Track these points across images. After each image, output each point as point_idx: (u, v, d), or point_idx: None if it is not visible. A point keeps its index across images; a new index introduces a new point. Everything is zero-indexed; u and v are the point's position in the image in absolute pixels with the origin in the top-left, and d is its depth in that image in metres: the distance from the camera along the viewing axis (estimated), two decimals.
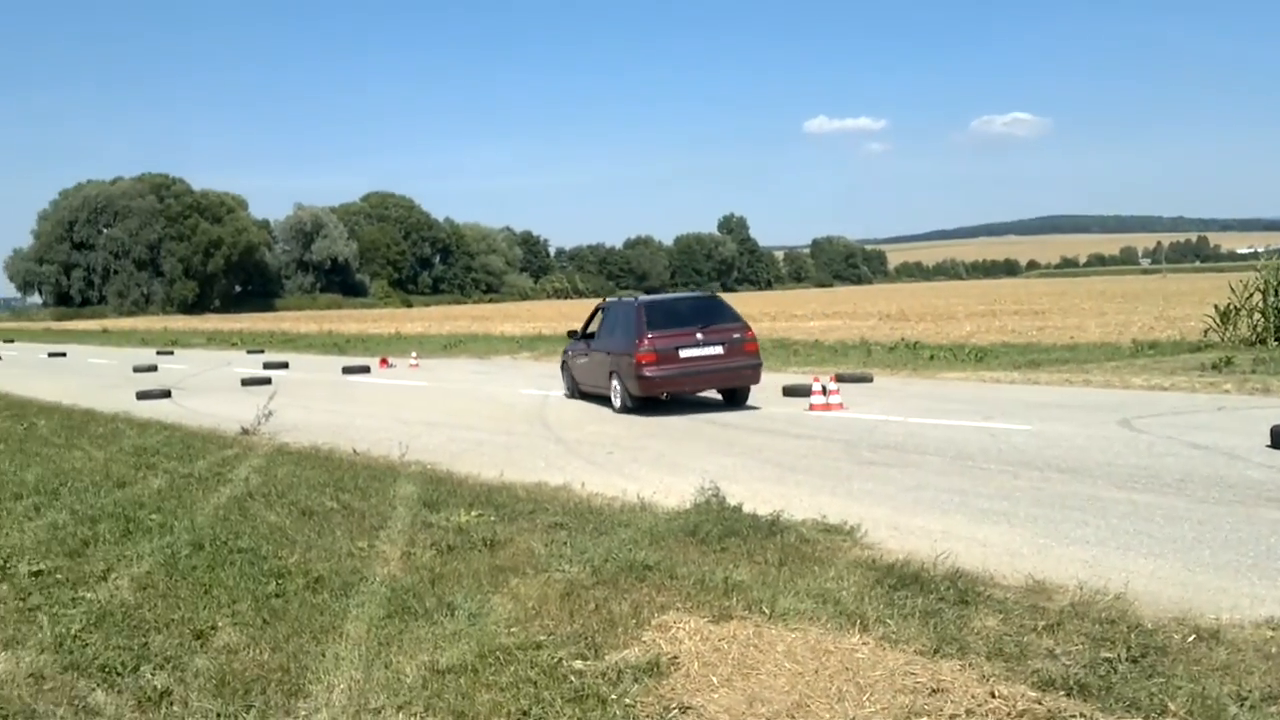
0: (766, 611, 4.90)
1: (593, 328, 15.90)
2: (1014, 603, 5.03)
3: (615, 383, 14.32)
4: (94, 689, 4.28)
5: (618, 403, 14.38)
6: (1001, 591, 5.25)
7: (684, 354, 13.64)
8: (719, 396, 14.74)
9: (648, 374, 13.53)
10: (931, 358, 20.94)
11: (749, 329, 14.42)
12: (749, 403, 14.36)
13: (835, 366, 19.33)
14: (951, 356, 20.94)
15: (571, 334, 17.57)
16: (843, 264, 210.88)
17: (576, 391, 16.43)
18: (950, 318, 37.69)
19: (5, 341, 55.68)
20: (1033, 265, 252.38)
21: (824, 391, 13.51)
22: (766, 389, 16.22)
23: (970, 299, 59.77)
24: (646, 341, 13.55)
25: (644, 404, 14.04)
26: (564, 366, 17.15)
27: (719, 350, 13.79)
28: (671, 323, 14.00)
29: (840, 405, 13.41)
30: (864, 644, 4.50)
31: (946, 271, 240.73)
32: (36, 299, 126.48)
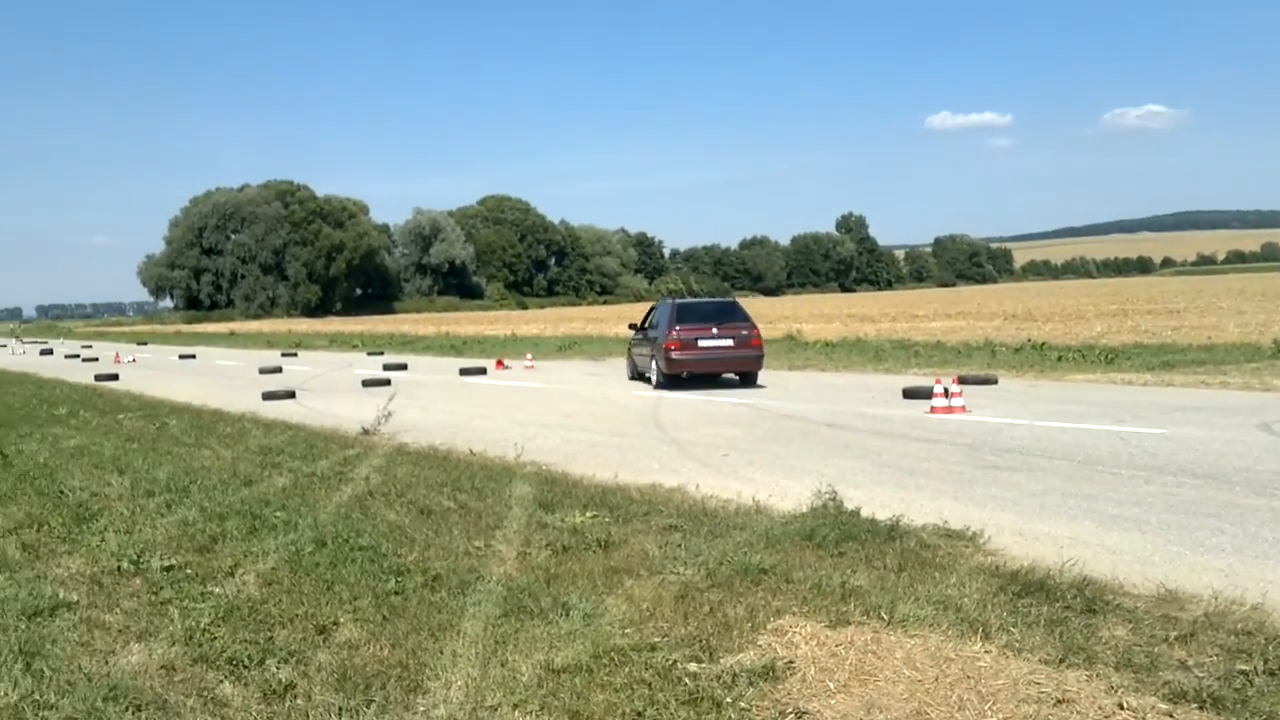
0: (885, 617, 4.81)
1: (647, 323, 19.93)
2: (1144, 612, 4.84)
3: (654, 363, 18.58)
4: (222, 681, 4.41)
5: (654, 380, 18.56)
6: (1131, 600, 5.06)
7: (702, 344, 17.83)
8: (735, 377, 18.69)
9: (674, 356, 17.77)
10: (1059, 359, 20.36)
11: (755, 327, 18.44)
12: (881, 407, 14.28)
13: (958, 368, 18.96)
14: (1080, 358, 20.33)
15: (632, 326, 21.34)
16: (966, 263, 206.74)
17: (635, 373, 20.69)
18: (1079, 318, 36.53)
19: (139, 344, 58.28)
20: (1168, 263, 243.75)
21: (946, 394, 13.26)
22: (886, 391, 16.03)
23: (1101, 298, 57.82)
24: (675, 332, 17.75)
25: (672, 380, 18.15)
26: (628, 353, 21.53)
27: (730, 343, 17.97)
28: (696, 319, 18.17)
29: (963, 408, 13.15)
30: (986, 652, 4.38)
31: (1076, 270, 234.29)
32: (168, 303, 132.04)
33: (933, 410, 13.17)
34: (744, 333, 18.05)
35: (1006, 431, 11.45)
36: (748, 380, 18.32)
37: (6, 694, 4.25)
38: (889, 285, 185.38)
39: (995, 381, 16.97)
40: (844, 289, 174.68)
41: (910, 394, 15.06)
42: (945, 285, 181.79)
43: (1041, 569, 5.57)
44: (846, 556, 5.96)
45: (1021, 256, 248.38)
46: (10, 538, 7.12)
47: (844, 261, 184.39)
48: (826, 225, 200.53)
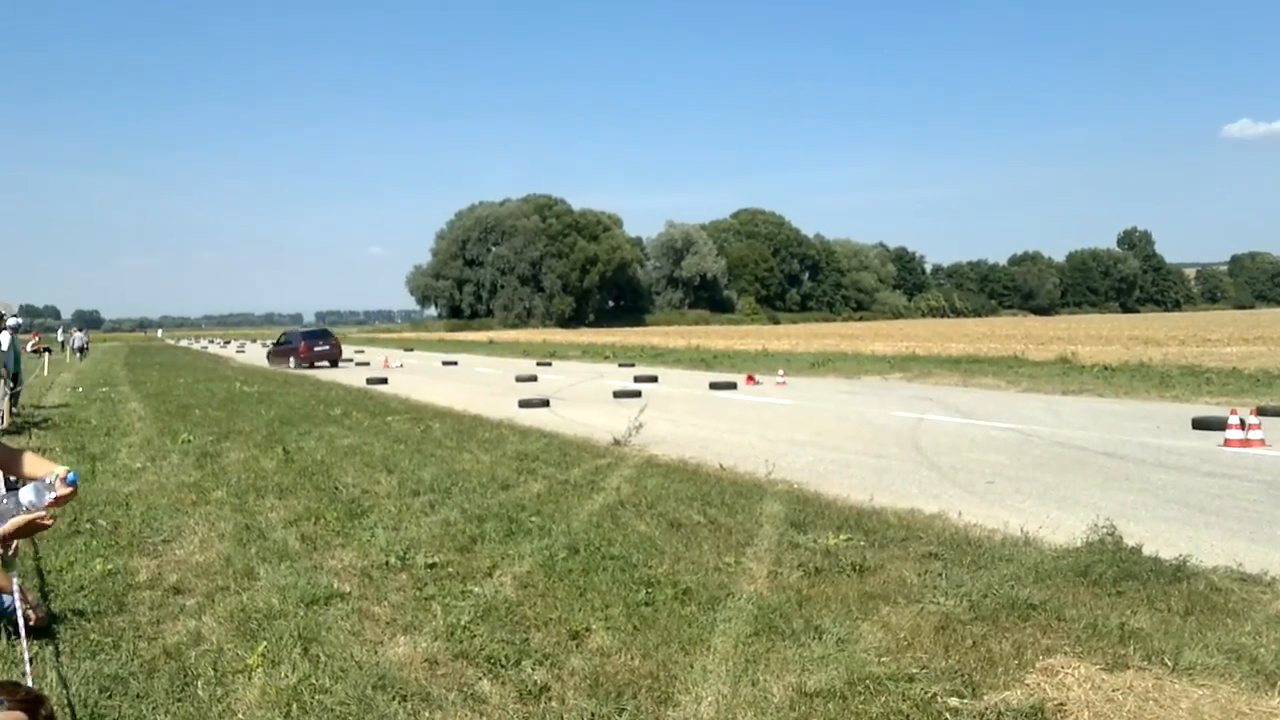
0: (1168, 664, 4.42)
1: (281, 341, 43.34)
2: None
3: (291, 359, 39.35)
4: (480, 678, 4.51)
5: (292, 365, 38.75)
6: None
7: (315, 349, 40.17)
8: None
9: (303, 355, 39.50)
10: None
11: (338, 339, 43.13)
12: (1129, 435, 13.21)
13: (1256, 398, 17.35)
14: None
15: (276, 343, 44.53)
16: (1268, 283, 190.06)
17: (275, 365, 40.21)
18: None
19: (405, 350, 61.79)
20: None
21: (1242, 425, 12.16)
22: (1172, 420, 14.93)
23: None
24: (304, 345, 40.36)
25: (306, 364, 39.23)
26: (269, 357, 42.79)
27: (327, 347, 40.49)
28: (313, 339, 41.60)
29: (1261, 441, 12.03)
30: None
31: None
32: (432, 311, 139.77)
33: (1227, 443, 12.10)
34: (335, 342, 41.14)
35: None
36: (337, 365, 39.81)
37: (287, 676, 4.51)
38: (1177, 306, 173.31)
39: None
40: (1125, 309, 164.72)
41: (1201, 424, 13.90)
42: (1242, 307, 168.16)
43: None
44: (1125, 596, 5.51)
45: None
46: (291, 529, 7.64)
47: (1126, 280, 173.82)
48: (1107, 241, 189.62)
